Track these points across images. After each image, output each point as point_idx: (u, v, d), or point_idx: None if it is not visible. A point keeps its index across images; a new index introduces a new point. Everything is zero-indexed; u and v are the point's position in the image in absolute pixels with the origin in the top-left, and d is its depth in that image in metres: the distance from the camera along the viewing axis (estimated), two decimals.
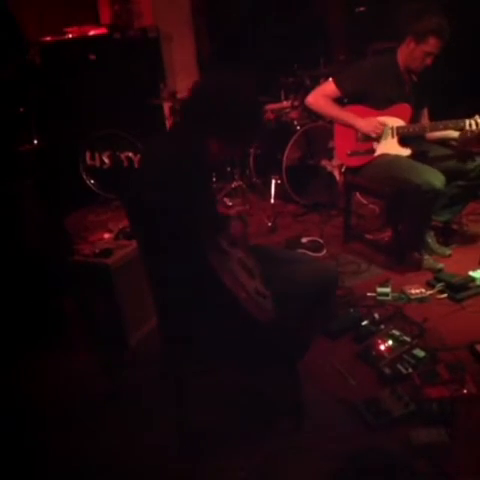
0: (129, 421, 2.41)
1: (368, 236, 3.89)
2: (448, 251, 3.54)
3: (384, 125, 3.31)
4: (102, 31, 5.06)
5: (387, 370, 2.44)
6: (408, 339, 2.62)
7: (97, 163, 5.00)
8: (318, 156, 4.51)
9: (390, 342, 2.61)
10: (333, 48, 6.24)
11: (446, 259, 3.47)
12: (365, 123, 3.33)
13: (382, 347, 2.59)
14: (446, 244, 3.60)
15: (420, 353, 2.52)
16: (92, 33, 5.00)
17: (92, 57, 4.90)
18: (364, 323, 2.80)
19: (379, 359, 2.53)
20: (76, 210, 4.83)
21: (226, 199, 4.56)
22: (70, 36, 4.99)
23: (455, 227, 3.74)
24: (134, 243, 2.77)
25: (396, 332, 2.68)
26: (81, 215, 4.79)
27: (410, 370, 2.43)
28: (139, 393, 2.56)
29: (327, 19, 6.38)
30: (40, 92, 4.48)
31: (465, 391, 2.28)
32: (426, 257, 3.39)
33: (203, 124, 1.90)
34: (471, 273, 3.16)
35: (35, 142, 4.23)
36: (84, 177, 4.99)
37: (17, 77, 4.38)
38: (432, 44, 3.09)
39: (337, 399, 2.37)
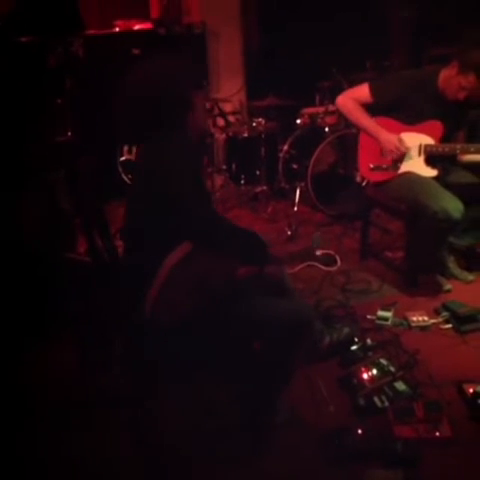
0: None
1: (388, 253, 3.73)
2: (470, 277, 3.37)
3: (406, 149, 3.16)
4: (147, 26, 5.08)
5: (361, 401, 2.33)
6: (394, 370, 2.49)
7: (133, 157, 5.04)
8: (349, 165, 4.36)
9: (374, 371, 2.48)
10: (390, 50, 6.03)
11: (466, 285, 3.30)
12: (387, 139, 3.18)
13: (365, 376, 2.46)
14: (469, 269, 3.42)
15: (401, 386, 2.38)
16: (137, 27, 5.04)
17: (136, 51, 4.93)
18: (353, 348, 2.68)
19: (359, 388, 2.42)
20: (109, 202, 4.87)
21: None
22: (117, 30, 5.05)
23: None
24: None
25: (383, 361, 2.54)
26: (114, 207, 4.83)
27: (386, 404, 2.31)
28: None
29: (391, 18, 6.14)
30: (79, 84, 4.54)
31: (437, 434, 2.14)
32: (438, 277, 3.26)
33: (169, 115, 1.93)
34: None
35: (69, 134, 4.32)
36: (120, 170, 5.04)
37: (60, 67, 4.49)
38: (470, 80, 2.93)
39: (309, 424, 2.29)
